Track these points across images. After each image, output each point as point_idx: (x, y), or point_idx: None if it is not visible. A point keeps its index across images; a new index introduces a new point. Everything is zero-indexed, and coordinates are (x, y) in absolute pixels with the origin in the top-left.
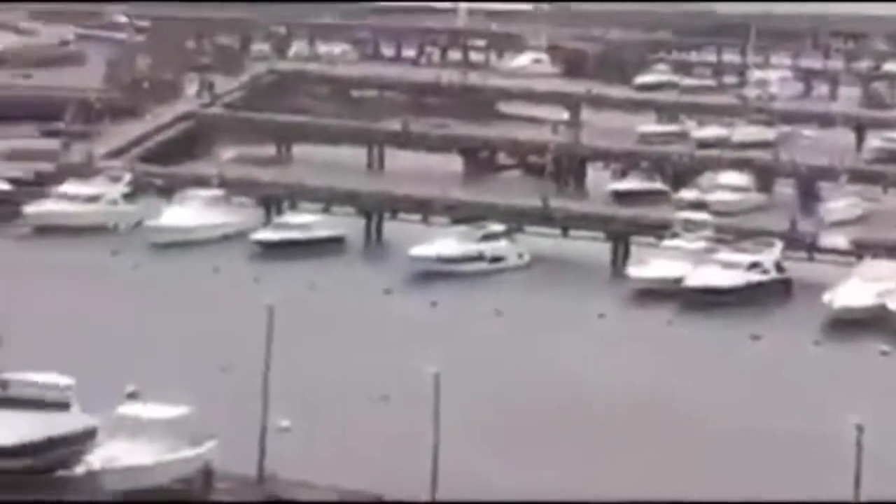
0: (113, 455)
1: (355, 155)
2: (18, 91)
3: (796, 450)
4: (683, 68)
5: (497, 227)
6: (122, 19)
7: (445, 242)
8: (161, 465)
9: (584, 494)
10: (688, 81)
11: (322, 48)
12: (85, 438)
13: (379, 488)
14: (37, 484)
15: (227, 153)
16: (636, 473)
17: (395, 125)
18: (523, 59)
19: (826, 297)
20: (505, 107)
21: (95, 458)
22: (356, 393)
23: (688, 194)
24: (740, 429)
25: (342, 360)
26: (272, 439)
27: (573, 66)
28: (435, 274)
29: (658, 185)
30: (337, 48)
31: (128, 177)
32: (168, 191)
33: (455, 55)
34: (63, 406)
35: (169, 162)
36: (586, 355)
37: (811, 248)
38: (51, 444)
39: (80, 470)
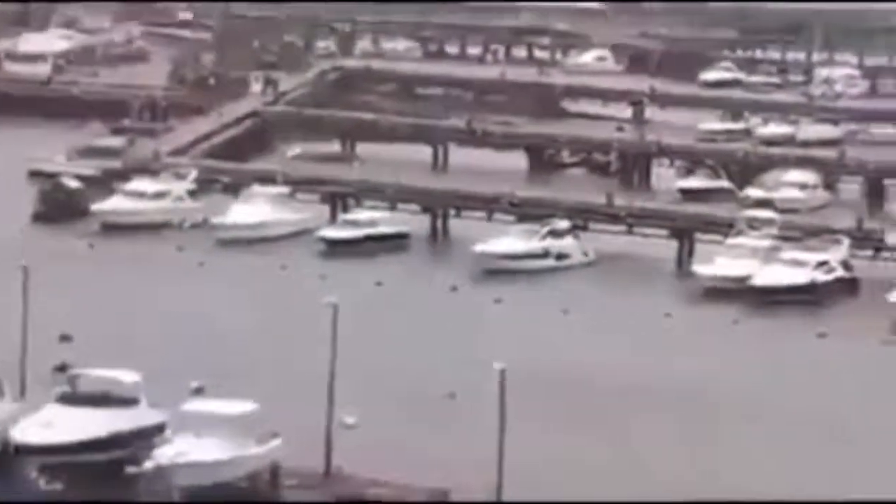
0: (181, 451)
1: (420, 152)
2: (85, 89)
3: (867, 446)
4: (748, 66)
5: (562, 225)
6: (188, 17)
7: (510, 240)
8: (229, 461)
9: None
10: (753, 79)
11: (387, 45)
12: (154, 434)
13: (446, 484)
14: (106, 479)
15: (293, 150)
16: (713, 469)
17: (459, 122)
18: (587, 57)
19: (893, 295)
20: (569, 104)
21: (164, 454)
22: (423, 389)
23: (753, 192)
24: (810, 423)
25: (408, 356)
26: (338, 436)
27: (637, 63)
28: (500, 271)
29: (724, 182)
30: (401, 45)
31: (193, 174)
32: (233, 188)
33: (520, 53)
34: (131, 402)
35: (234, 159)
36: (654, 354)
37: (878, 246)
38: (119, 439)
39: (148, 465)
